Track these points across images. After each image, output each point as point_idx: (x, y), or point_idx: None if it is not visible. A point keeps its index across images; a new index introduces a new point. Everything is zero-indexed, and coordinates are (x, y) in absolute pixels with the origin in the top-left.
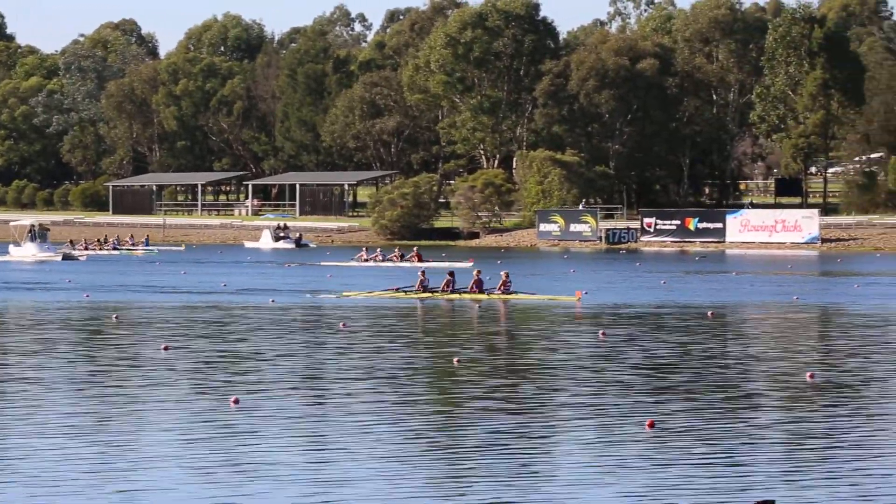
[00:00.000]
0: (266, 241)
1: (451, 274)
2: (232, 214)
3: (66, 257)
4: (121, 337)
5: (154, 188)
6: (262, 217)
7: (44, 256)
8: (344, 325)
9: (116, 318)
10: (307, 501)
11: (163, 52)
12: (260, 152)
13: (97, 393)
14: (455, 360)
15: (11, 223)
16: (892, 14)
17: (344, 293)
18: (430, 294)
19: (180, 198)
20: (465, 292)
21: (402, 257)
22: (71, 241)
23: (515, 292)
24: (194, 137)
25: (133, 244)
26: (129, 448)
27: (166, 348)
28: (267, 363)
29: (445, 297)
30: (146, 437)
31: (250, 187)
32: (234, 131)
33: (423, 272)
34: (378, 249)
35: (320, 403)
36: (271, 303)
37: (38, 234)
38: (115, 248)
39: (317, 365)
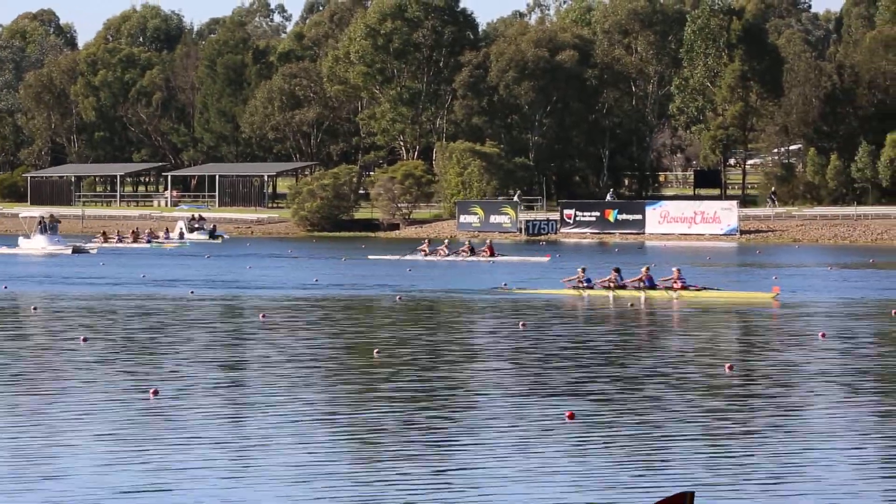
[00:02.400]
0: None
1: (617, 270)
2: (151, 205)
3: (77, 250)
4: (37, 329)
5: (73, 179)
6: (177, 208)
7: (53, 249)
8: (264, 316)
9: (35, 309)
10: (224, 493)
11: (81, 42)
12: (179, 143)
13: (13, 387)
14: (375, 351)
15: (21, 215)
16: (809, 6)
17: (506, 286)
18: (589, 290)
19: (99, 189)
20: (633, 288)
21: (471, 251)
22: (104, 233)
23: (689, 287)
24: (113, 128)
25: (167, 237)
26: (45, 440)
27: (84, 340)
28: (188, 355)
29: (613, 292)
30: (62, 429)
31: (169, 178)
32: (154, 122)
33: (583, 269)
34: (446, 241)
35: (239, 395)
36: (191, 294)
37: (49, 227)
38: (148, 241)
39: (236, 356)
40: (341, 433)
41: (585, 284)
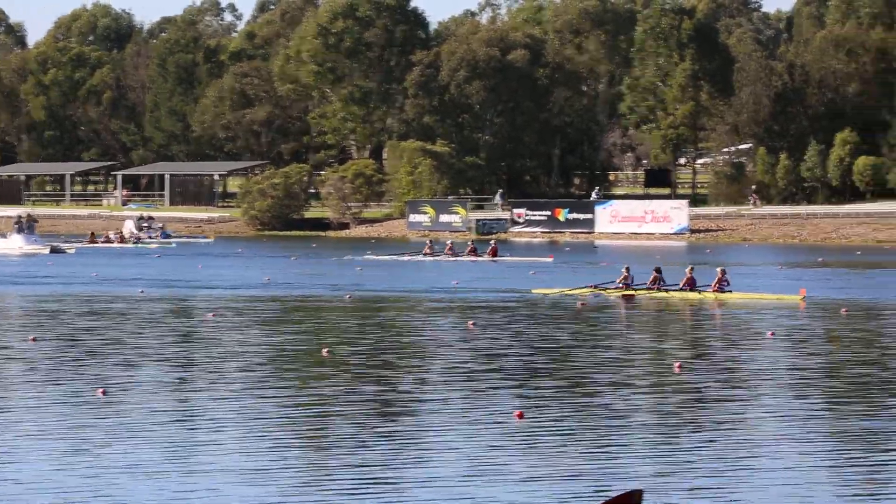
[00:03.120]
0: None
1: (658, 271)
2: (101, 205)
3: (55, 250)
4: None
5: (23, 178)
6: (126, 207)
7: (31, 249)
8: (213, 314)
9: None
10: (173, 492)
11: (31, 41)
12: (129, 142)
13: None
14: (325, 350)
15: None
16: (760, 6)
17: (536, 290)
18: (633, 291)
19: (49, 188)
20: (675, 290)
21: (475, 251)
22: (92, 234)
23: (730, 291)
24: (63, 127)
25: (151, 237)
26: None
27: (34, 339)
28: (137, 354)
29: (651, 294)
30: (9, 429)
31: (119, 178)
32: (104, 121)
33: (627, 268)
34: (449, 242)
35: (188, 394)
36: (140, 293)
37: (26, 226)
38: (135, 242)
39: (186, 355)
40: (290, 432)
41: (627, 285)
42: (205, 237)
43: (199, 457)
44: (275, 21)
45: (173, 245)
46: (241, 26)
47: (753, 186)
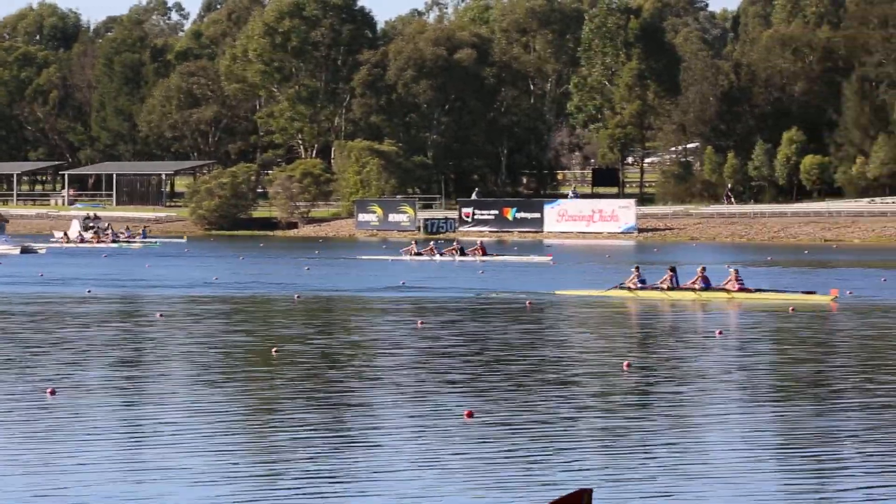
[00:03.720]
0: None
1: (673, 269)
2: (48, 204)
3: (25, 250)
4: None
5: None
6: (73, 207)
7: (0, 250)
8: (161, 315)
9: None
10: (121, 493)
11: None
12: (76, 142)
13: None
14: (273, 350)
15: None
16: (706, 5)
17: (556, 291)
18: (647, 292)
19: None
20: (689, 289)
21: (461, 251)
22: (65, 233)
23: (749, 289)
24: (9, 127)
25: (130, 236)
26: None
27: None
28: (85, 354)
29: (667, 294)
30: None
31: (66, 177)
32: (50, 121)
33: (637, 267)
34: (431, 243)
35: (136, 393)
36: (87, 293)
37: None
38: (114, 241)
39: (134, 355)
40: (238, 430)
41: (640, 286)
42: (180, 238)
43: (147, 455)
44: (221, 20)
45: (157, 244)
46: (187, 26)
47: (729, 185)
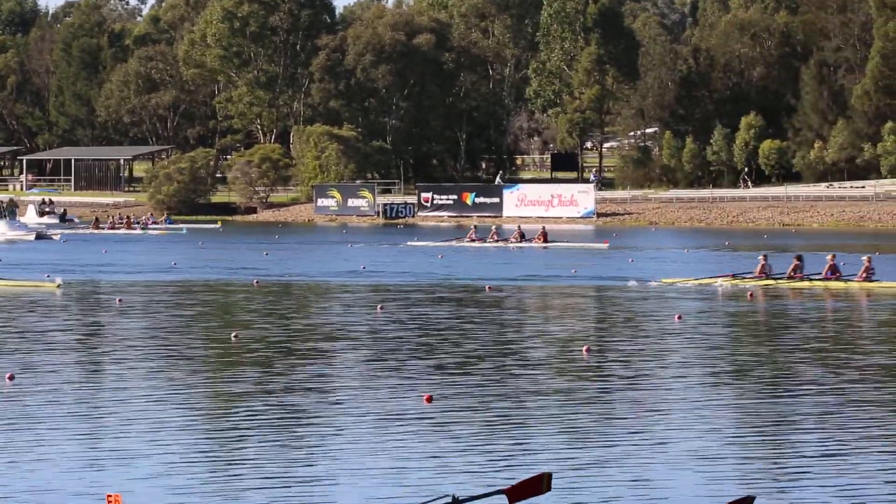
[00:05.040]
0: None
1: (799, 258)
2: (6, 189)
3: (40, 236)
4: None
5: None
6: (30, 192)
7: (14, 235)
8: (120, 301)
9: None
10: (77, 478)
11: None
12: (34, 127)
13: None
14: (233, 335)
15: None
16: None
17: (664, 280)
18: (774, 281)
19: None
20: (817, 279)
21: (522, 237)
22: (97, 219)
23: (878, 280)
24: None
25: (154, 222)
26: None
27: None
28: (44, 339)
29: (793, 284)
30: None
31: (24, 162)
32: (8, 106)
33: (764, 256)
34: (494, 227)
35: (96, 379)
36: (47, 277)
37: (8, 212)
38: (143, 228)
39: (93, 341)
40: (196, 416)
41: (766, 274)
42: (214, 223)
43: (105, 441)
44: (179, 5)
45: (183, 231)
46: (145, 10)
47: (745, 169)
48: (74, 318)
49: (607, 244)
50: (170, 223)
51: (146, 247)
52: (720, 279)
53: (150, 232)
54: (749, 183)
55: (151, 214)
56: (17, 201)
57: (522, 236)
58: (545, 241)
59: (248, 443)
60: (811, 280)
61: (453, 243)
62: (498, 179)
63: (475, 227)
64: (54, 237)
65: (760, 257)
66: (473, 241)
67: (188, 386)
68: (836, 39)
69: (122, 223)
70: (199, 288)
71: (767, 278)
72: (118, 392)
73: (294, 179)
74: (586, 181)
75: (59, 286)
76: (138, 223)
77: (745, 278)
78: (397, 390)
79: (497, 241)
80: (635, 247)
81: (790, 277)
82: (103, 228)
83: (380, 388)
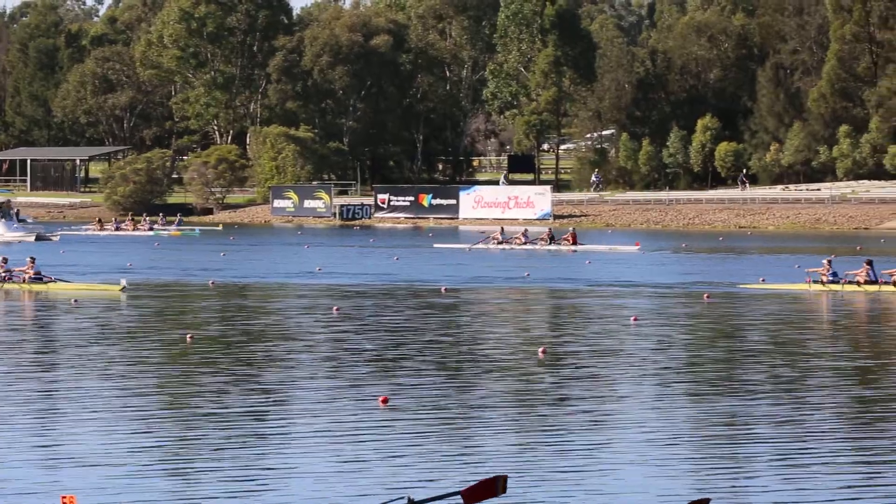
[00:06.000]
0: None
1: (870, 262)
2: None
3: (40, 238)
4: None
5: None
6: None
7: (13, 237)
8: (75, 301)
9: None
10: (34, 480)
11: None
12: None
13: None
14: (188, 336)
15: None
16: None
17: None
18: (840, 286)
19: None
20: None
21: (551, 239)
22: (99, 220)
23: None
24: None
25: (164, 223)
26: None
27: None
28: None
29: (863, 288)
30: None
31: None
32: None
33: (829, 261)
34: (524, 229)
35: (49, 380)
36: None
37: (5, 213)
38: (150, 229)
39: (46, 341)
40: (152, 418)
41: (831, 279)
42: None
43: (60, 442)
44: (136, 6)
45: (196, 232)
46: (102, 11)
47: (744, 170)
48: (29, 319)
49: (639, 246)
50: (180, 224)
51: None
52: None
53: (160, 233)
54: (746, 184)
55: (163, 215)
56: (11, 202)
57: (552, 239)
58: (574, 242)
59: (203, 444)
60: (879, 284)
61: (479, 246)
62: (502, 180)
63: (501, 228)
64: (53, 238)
65: (824, 262)
66: (500, 243)
67: (142, 387)
68: (792, 42)
69: (127, 225)
70: (155, 288)
71: (835, 282)
72: (71, 393)
73: (251, 181)
74: (543, 183)
75: (122, 289)
76: (146, 223)
77: (815, 282)
78: (353, 392)
79: (524, 243)
80: (592, 249)
81: (866, 282)
82: (109, 229)
83: (335, 390)
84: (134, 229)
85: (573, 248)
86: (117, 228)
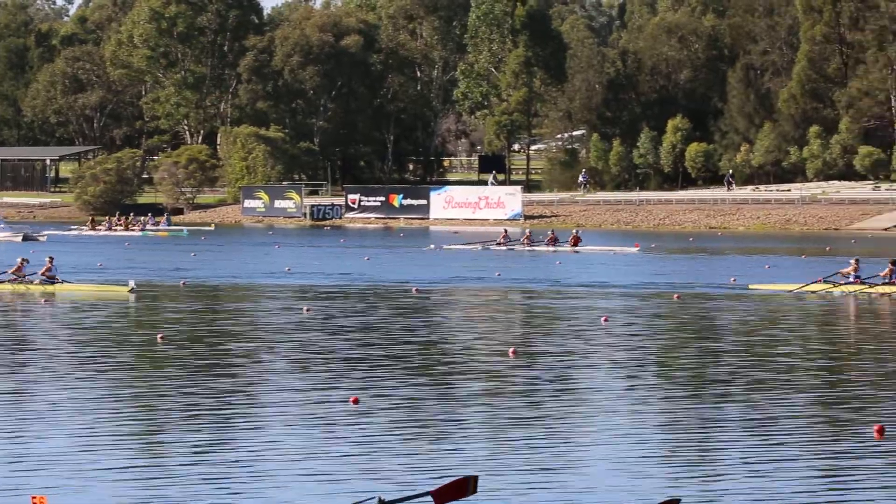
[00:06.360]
0: None
1: (895, 263)
2: None
3: (27, 238)
4: None
5: None
6: None
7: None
8: (46, 300)
9: None
10: (4, 480)
11: None
12: None
13: None
14: (159, 336)
15: None
16: None
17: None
18: (867, 286)
19: None
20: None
21: (555, 241)
22: (92, 219)
23: None
24: None
25: (154, 223)
26: None
27: None
28: None
29: (891, 290)
30: None
31: None
32: None
33: (856, 260)
34: (527, 231)
35: (21, 380)
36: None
37: None
38: (142, 229)
39: (18, 342)
40: (123, 419)
41: (854, 278)
42: (207, 226)
43: (30, 443)
44: (107, 5)
45: (184, 233)
46: (72, 10)
47: (731, 171)
48: (9, 319)
49: (638, 247)
50: (169, 224)
51: (63, 248)
52: (820, 285)
53: (149, 233)
54: (733, 184)
55: (151, 215)
56: None
57: (556, 240)
58: (575, 244)
59: (174, 445)
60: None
61: (488, 246)
62: (491, 179)
63: (505, 230)
64: (40, 238)
65: (853, 261)
66: (502, 244)
67: (113, 387)
68: (762, 43)
69: (119, 224)
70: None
71: (861, 283)
72: (41, 393)
73: (221, 181)
74: (513, 183)
75: (131, 290)
76: (138, 223)
77: (836, 284)
78: (323, 392)
79: (530, 244)
80: (564, 249)
81: (886, 283)
82: (100, 230)
83: (306, 390)
84: (126, 229)
85: (574, 249)
86: (109, 228)
